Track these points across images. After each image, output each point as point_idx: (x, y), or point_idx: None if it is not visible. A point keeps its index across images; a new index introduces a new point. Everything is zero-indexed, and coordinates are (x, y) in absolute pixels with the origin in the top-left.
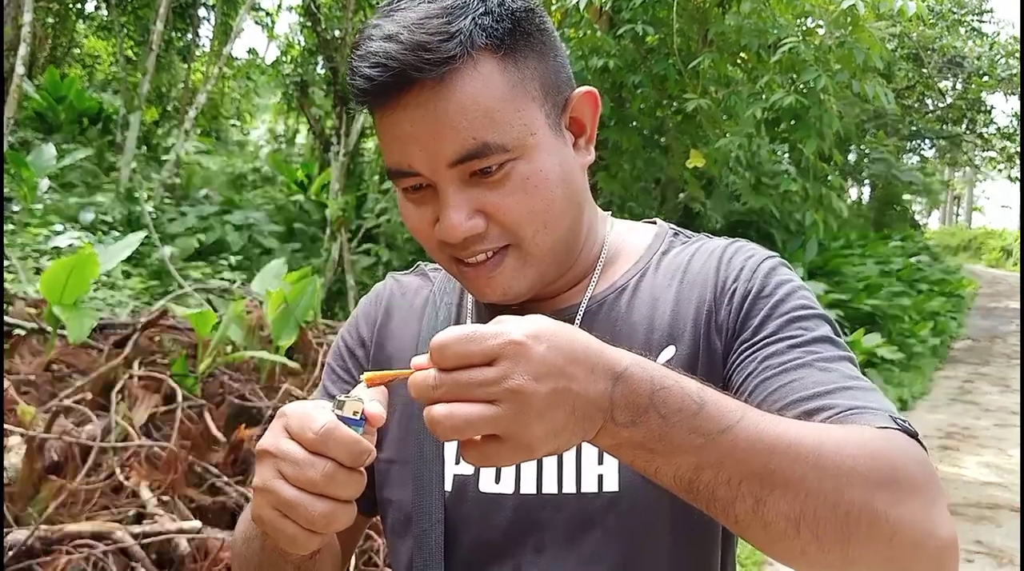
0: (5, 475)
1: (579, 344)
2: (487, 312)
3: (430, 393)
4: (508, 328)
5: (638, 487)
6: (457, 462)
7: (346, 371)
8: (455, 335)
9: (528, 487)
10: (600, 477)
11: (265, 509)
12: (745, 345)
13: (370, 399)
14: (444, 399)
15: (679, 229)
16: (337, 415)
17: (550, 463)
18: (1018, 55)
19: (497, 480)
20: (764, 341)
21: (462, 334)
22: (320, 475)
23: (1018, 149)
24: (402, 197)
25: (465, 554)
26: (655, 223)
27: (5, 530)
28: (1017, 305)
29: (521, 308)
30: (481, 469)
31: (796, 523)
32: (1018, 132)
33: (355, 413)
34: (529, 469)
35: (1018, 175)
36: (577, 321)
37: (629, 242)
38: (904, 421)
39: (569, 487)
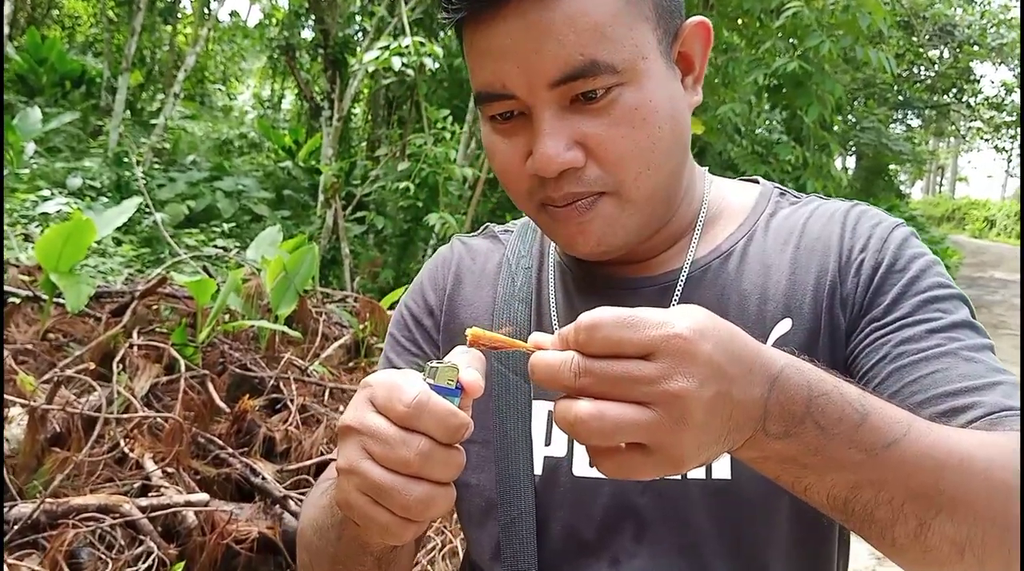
0: (8, 447)
1: (739, 341)
2: (573, 279)
3: (570, 380)
4: (673, 318)
5: (755, 476)
6: (547, 443)
7: (412, 342)
8: (611, 317)
9: None
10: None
11: (353, 494)
12: (876, 325)
13: (466, 365)
14: (588, 391)
15: (785, 189)
16: (429, 384)
17: None
18: (1009, 23)
19: (591, 463)
20: (899, 323)
21: (620, 317)
22: (415, 454)
23: (1005, 119)
24: (488, 130)
25: (557, 543)
26: (756, 182)
27: (9, 504)
28: (1001, 275)
29: (613, 272)
30: (574, 451)
31: (961, 548)
32: (1006, 102)
33: (449, 381)
34: None
35: (1004, 146)
36: (679, 289)
37: (730, 201)
38: None
39: None
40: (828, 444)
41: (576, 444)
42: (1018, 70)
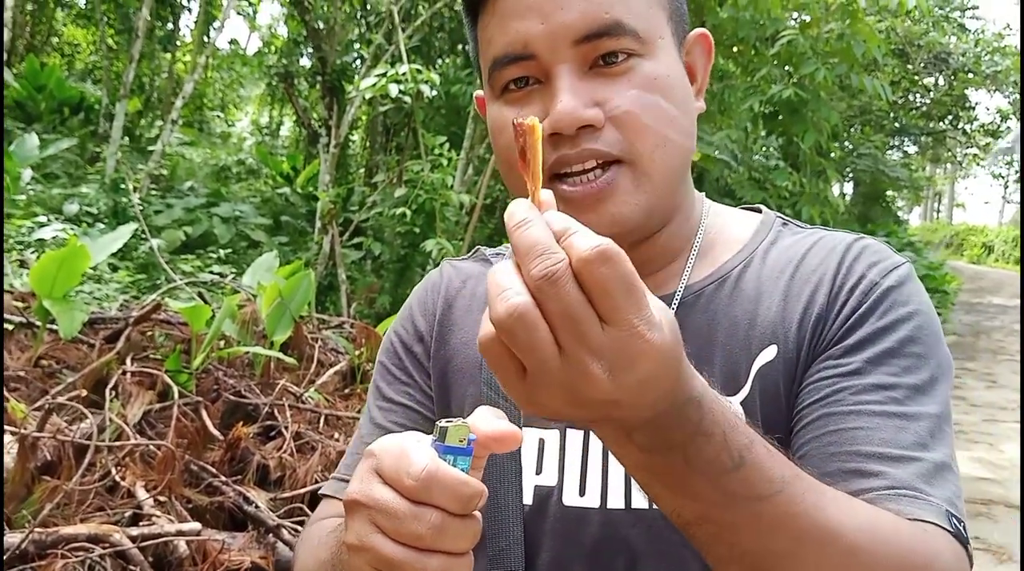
0: None
1: (677, 369)
2: None
3: (536, 273)
4: (658, 320)
5: None
6: (538, 472)
7: (403, 370)
8: (624, 274)
9: (615, 501)
10: None
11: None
12: (829, 363)
13: (483, 417)
14: (539, 295)
15: (788, 219)
16: (438, 447)
17: None
18: (1003, 51)
19: (582, 493)
20: (851, 369)
21: (626, 281)
22: (427, 529)
23: (1001, 146)
24: (498, 105)
25: None
26: (759, 210)
27: None
28: (1000, 301)
29: None
30: (565, 480)
31: None
32: (1001, 129)
33: (461, 441)
34: (617, 480)
35: (1000, 172)
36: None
37: (730, 228)
38: (958, 521)
39: None
40: (691, 477)
41: (567, 472)
42: (1014, 96)
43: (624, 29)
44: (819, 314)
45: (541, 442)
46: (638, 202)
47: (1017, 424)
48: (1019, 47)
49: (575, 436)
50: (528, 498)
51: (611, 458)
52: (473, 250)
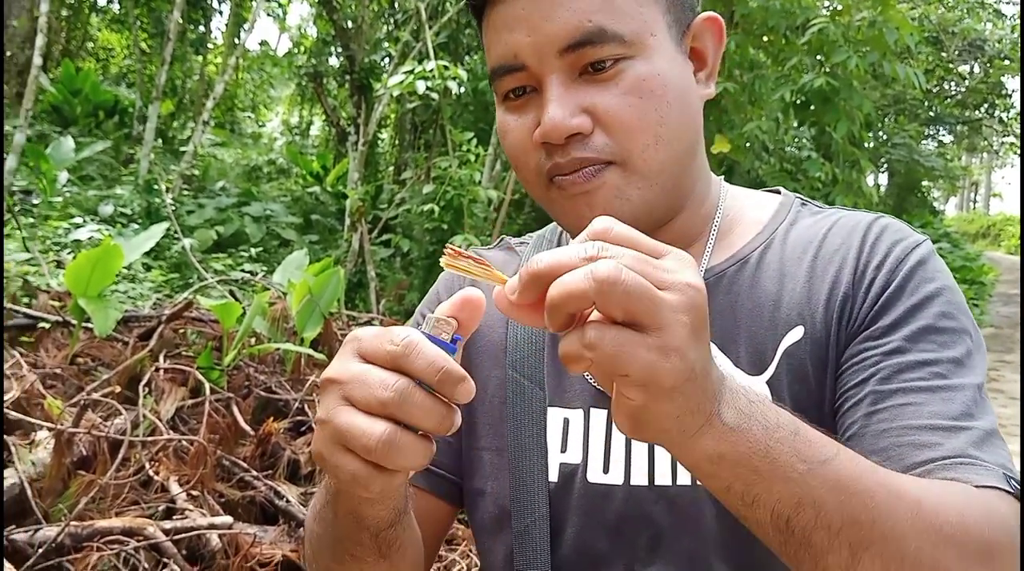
0: (34, 470)
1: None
2: None
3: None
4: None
5: None
6: (563, 450)
7: None
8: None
9: (639, 478)
10: None
11: (324, 444)
12: (869, 345)
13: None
14: (605, 295)
15: (807, 199)
16: (423, 333)
17: (663, 451)
18: None
19: (606, 470)
20: (891, 348)
21: (647, 242)
22: (391, 392)
23: None
24: (502, 111)
25: (570, 552)
26: (778, 192)
27: (34, 527)
28: None
29: None
30: (589, 458)
31: None
32: None
33: (444, 334)
34: (640, 458)
35: None
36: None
37: (749, 210)
38: (1015, 479)
39: (684, 478)
40: (774, 447)
41: (591, 450)
42: None
43: (608, 35)
44: (845, 293)
45: (566, 421)
46: (630, 198)
47: None
48: (1019, 47)
49: (599, 415)
50: (553, 475)
51: None
52: (499, 239)
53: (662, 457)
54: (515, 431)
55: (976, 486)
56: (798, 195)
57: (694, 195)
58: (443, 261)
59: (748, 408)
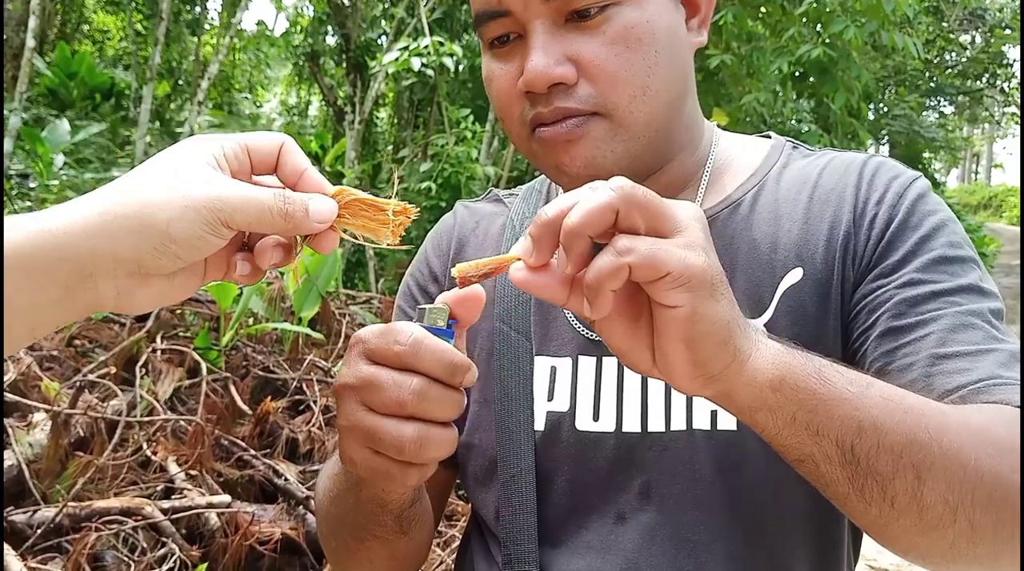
0: (32, 452)
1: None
2: None
3: (609, 199)
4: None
5: None
6: (550, 398)
7: None
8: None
9: (632, 425)
10: (714, 414)
11: (354, 449)
12: (881, 281)
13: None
14: (624, 216)
15: (798, 142)
16: (422, 326)
17: (656, 398)
18: None
19: (596, 418)
20: (904, 281)
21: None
22: (409, 393)
23: None
24: (488, 59)
25: (560, 500)
26: (769, 137)
27: (32, 508)
28: None
29: None
30: (578, 405)
31: (954, 509)
32: None
33: (440, 322)
34: (632, 405)
35: None
36: None
37: (740, 154)
38: None
39: (678, 423)
40: (822, 369)
41: (579, 397)
42: None
43: None
44: (847, 232)
45: (553, 369)
46: (613, 150)
47: None
48: (1020, 16)
49: (587, 362)
50: (540, 424)
51: (626, 382)
52: (487, 191)
53: (656, 402)
54: (502, 382)
55: (1014, 406)
56: (789, 139)
57: (687, 143)
58: (457, 277)
59: (777, 339)
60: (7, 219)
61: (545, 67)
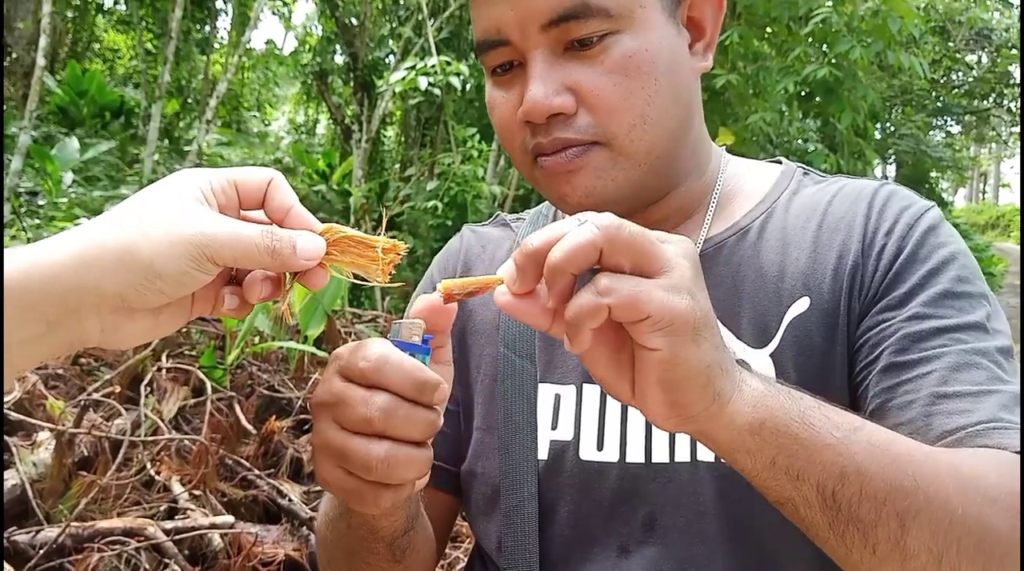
0: (35, 471)
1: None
2: None
3: (590, 243)
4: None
5: None
6: (554, 427)
7: None
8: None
9: (635, 455)
10: None
11: (327, 469)
12: (887, 314)
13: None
14: (608, 255)
15: (809, 169)
16: (393, 341)
17: (659, 430)
18: None
19: (600, 447)
20: (909, 315)
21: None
22: (376, 409)
23: None
24: (490, 86)
25: (563, 531)
26: (779, 162)
27: (35, 528)
28: None
29: None
30: (582, 435)
31: (939, 558)
32: None
33: (415, 337)
34: (636, 435)
35: None
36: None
37: (749, 180)
38: None
39: (682, 455)
40: (806, 412)
41: (583, 426)
42: None
43: (591, 10)
44: (855, 262)
45: (557, 397)
46: (615, 179)
47: None
48: (1019, 51)
49: (592, 391)
50: (543, 453)
51: (630, 411)
52: (494, 216)
53: (660, 432)
54: (505, 408)
55: (1012, 451)
56: (800, 165)
57: (693, 169)
58: (442, 293)
59: (764, 379)
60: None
61: (544, 97)
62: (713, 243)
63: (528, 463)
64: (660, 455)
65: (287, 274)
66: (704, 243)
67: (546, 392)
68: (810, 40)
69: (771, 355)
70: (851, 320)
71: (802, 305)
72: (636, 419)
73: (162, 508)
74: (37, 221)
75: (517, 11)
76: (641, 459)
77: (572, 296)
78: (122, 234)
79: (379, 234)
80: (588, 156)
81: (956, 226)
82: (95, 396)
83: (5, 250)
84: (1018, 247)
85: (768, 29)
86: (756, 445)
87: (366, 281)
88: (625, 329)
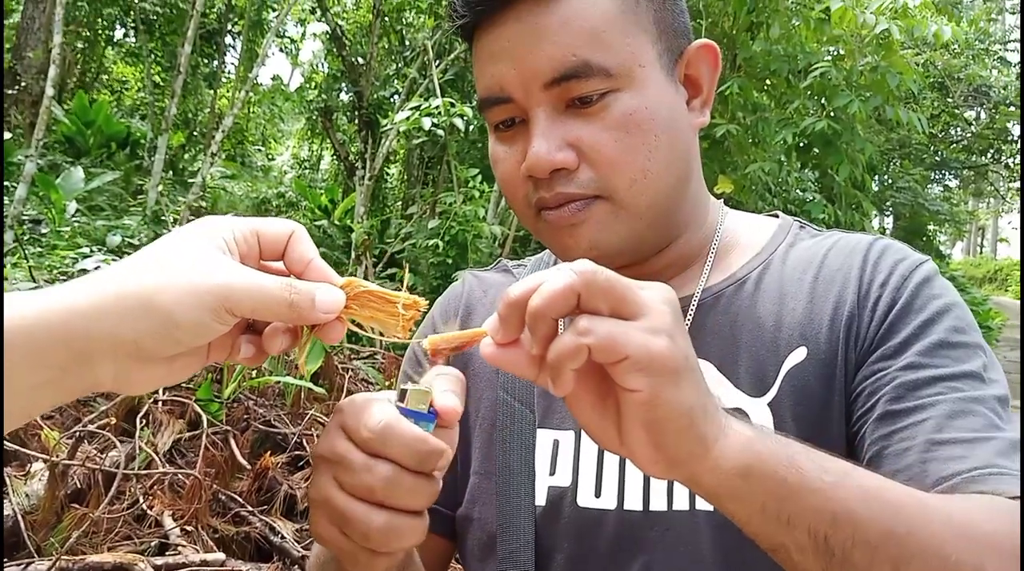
0: (28, 502)
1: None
2: None
3: (569, 290)
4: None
5: None
6: (552, 473)
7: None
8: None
9: (633, 502)
10: None
11: (323, 526)
12: (882, 364)
13: (443, 389)
14: (587, 301)
15: (805, 222)
16: (399, 408)
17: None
18: None
19: (598, 494)
20: (905, 365)
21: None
22: (379, 480)
23: None
24: (493, 140)
25: None
26: (776, 216)
27: (26, 561)
28: None
29: None
30: (580, 481)
31: None
32: None
33: (422, 406)
34: (634, 482)
35: None
36: (690, 315)
37: (747, 232)
38: None
39: (681, 503)
40: (795, 457)
41: (581, 472)
42: None
43: (593, 69)
44: (851, 313)
45: (555, 443)
46: (617, 231)
47: None
48: (1018, 108)
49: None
50: (541, 499)
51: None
52: (496, 261)
53: (657, 482)
54: (503, 454)
55: (1008, 497)
56: (796, 218)
57: (692, 221)
58: (428, 350)
59: (751, 425)
60: (8, 297)
61: (547, 153)
62: (711, 293)
63: (525, 509)
64: (658, 503)
65: (305, 327)
66: (702, 293)
67: (544, 437)
68: (809, 93)
69: (769, 404)
70: (848, 370)
71: (799, 355)
72: (635, 467)
73: (153, 543)
74: (39, 249)
75: (520, 70)
76: (639, 507)
77: None
78: (141, 281)
79: (399, 290)
80: (590, 210)
81: (953, 278)
82: (90, 427)
83: (20, 294)
84: (1015, 301)
85: (767, 81)
86: (745, 490)
87: (384, 337)
88: (609, 377)
